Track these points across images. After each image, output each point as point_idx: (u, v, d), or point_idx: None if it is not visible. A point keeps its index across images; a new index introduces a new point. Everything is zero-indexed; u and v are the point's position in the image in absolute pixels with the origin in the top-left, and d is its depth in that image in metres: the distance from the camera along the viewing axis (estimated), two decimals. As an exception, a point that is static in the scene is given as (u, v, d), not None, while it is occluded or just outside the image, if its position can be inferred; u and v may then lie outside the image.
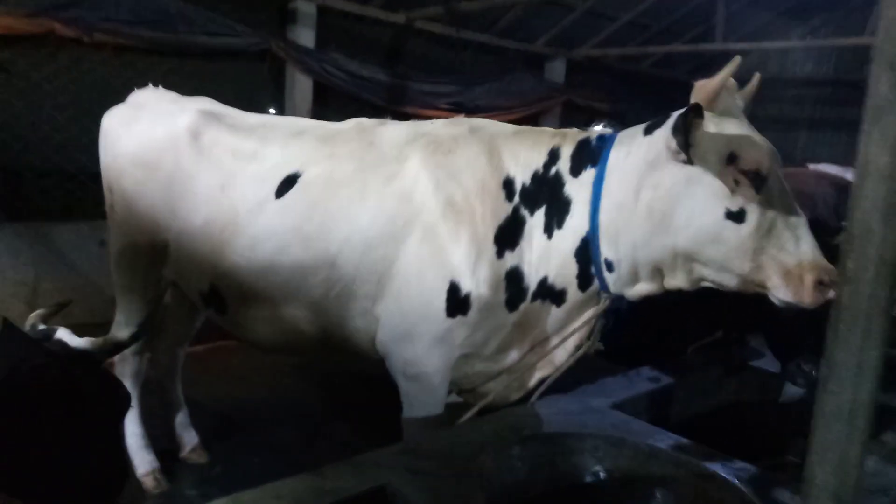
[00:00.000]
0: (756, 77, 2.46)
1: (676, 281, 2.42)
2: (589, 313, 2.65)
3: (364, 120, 3.07)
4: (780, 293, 2.22)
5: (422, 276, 2.60)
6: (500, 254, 2.56)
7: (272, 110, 6.87)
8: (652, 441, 2.51)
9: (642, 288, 2.50)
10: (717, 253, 2.26)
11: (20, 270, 5.30)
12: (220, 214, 2.93)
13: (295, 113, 6.72)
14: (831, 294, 2.20)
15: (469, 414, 2.62)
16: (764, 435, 3.39)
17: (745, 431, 3.43)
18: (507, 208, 2.60)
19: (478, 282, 2.53)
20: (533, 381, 2.78)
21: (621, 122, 10.29)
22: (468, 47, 8.48)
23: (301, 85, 6.85)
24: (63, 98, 5.73)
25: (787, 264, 2.20)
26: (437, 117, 7.69)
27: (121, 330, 3.43)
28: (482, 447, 2.30)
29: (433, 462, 2.19)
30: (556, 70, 9.45)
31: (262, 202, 2.85)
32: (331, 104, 7.20)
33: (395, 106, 7.49)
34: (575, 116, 9.77)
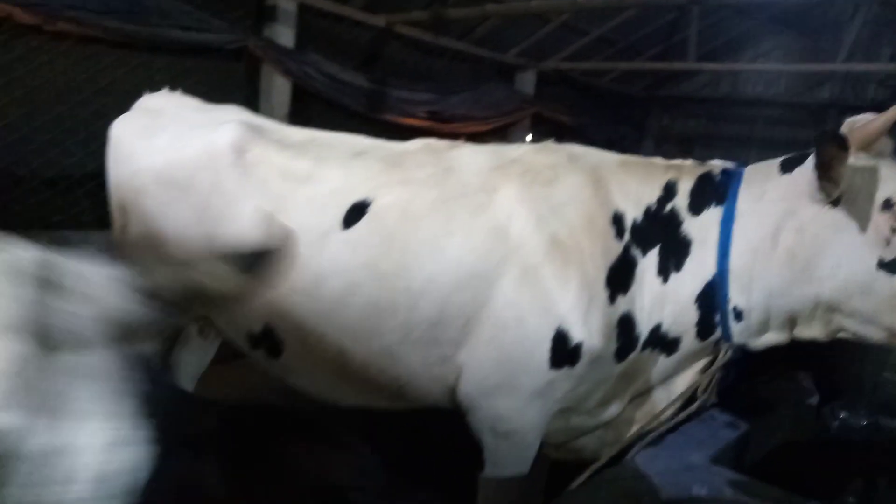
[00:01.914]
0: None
1: (812, 331, 2.24)
2: (700, 364, 2.43)
3: (432, 141, 2.75)
4: None
5: (522, 322, 2.31)
6: (612, 299, 2.31)
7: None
8: (764, 498, 2.34)
9: (770, 338, 2.31)
10: (866, 305, 2.09)
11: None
12: (272, 245, 2.53)
13: (271, 116, 6.24)
14: None
15: (582, 478, 2.35)
16: (822, 476, 3.30)
17: (804, 472, 3.33)
18: (617, 247, 2.34)
19: (590, 331, 2.26)
20: (630, 436, 2.53)
21: (583, 136, 10.30)
22: (444, 54, 8.21)
23: (279, 87, 6.37)
24: (17, 92, 5.05)
25: None
26: (416, 126, 7.41)
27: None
28: (616, 523, 2.05)
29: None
30: (527, 81, 9.32)
31: (326, 233, 2.48)
32: (308, 108, 6.76)
33: (374, 113, 7.11)
34: (541, 129, 9.66)
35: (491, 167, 2.52)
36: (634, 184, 2.42)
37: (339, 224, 2.48)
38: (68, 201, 5.47)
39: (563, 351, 2.27)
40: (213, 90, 6.11)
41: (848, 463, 3.27)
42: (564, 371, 2.30)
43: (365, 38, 7.33)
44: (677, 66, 8.77)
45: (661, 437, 2.57)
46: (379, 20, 7.07)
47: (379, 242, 2.42)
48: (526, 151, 2.59)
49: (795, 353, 3.32)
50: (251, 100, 6.42)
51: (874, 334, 2.14)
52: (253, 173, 2.64)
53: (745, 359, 2.43)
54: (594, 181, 2.42)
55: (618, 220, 2.37)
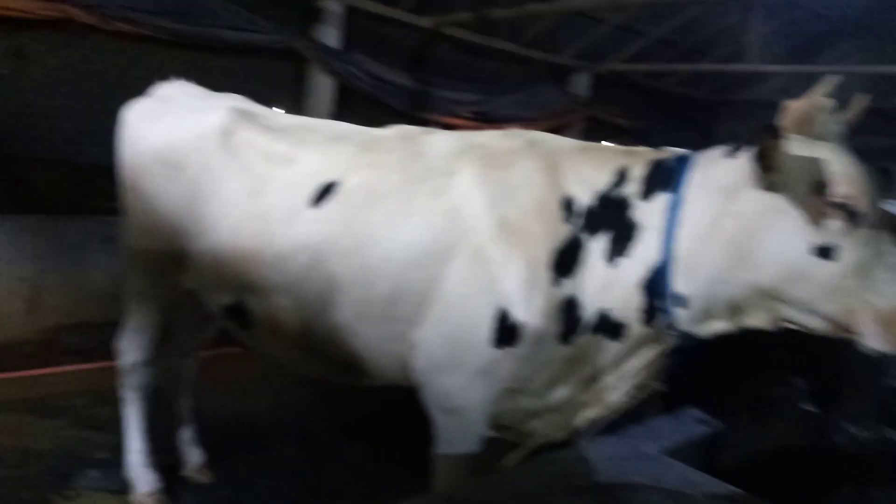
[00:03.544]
0: (860, 100, 2.22)
1: (756, 320, 2.18)
2: (650, 351, 2.41)
3: (408, 127, 2.84)
4: (871, 341, 1.98)
5: (467, 301, 2.36)
6: (555, 281, 2.33)
7: (279, 109, 6.63)
8: (710, 493, 2.29)
9: (716, 326, 2.26)
10: (803, 292, 2.03)
11: (21, 265, 5.08)
12: (248, 222, 2.69)
13: (315, 116, 6.51)
14: None
15: (514, 456, 2.38)
16: (811, 482, 3.17)
17: (792, 478, 3.21)
18: (565, 231, 2.36)
19: (530, 311, 2.29)
20: (580, 421, 2.54)
21: (643, 140, 10.11)
22: (494, 56, 8.30)
23: (323, 86, 6.65)
24: (78, 87, 5.52)
25: (882, 309, 1.96)
26: (460, 125, 7.52)
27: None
28: (534, 499, 2.07)
29: (482, 515, 1.96)
30: (581, 83, 9.26)
31: (296, 211, 2.62)
32: (353, 108, 6.99)
33: (417, 112, 7.29)
34: (598, 132, 9.57)
35: (455, 152, 2.59)
36: (588, 169, 2.43)
37: (308, 203, 2.61)
38: (123, 189, 5.91)
39: (505, 330, 2.31)
40: (262, 88, 6.47)
41: (838, 471, 3.13)
42: (506, 350, 2.33)
43: (413, 40, 7.52)
44: (736, 68, 8.49)
45: (616, 425, 2.56)
46: (426, 22, 7.23)
47: (342, 220, 2.54)
48: (490, 137, 2.65)
49: (789, 355, 3.22)
50: (297, 98, 6.72)
51: (815, 324, 2.07)
52: (238, 154, 2.81)
53: (698, 348, 2.38)
54: (548, 166, 2.44)
55: (568, 205, 2.38)
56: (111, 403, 4.32)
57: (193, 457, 3.59)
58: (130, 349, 3.24)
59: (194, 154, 2.87)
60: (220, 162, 2.82)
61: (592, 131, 9.54)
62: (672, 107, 11.08)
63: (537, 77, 8.80)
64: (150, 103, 3.17)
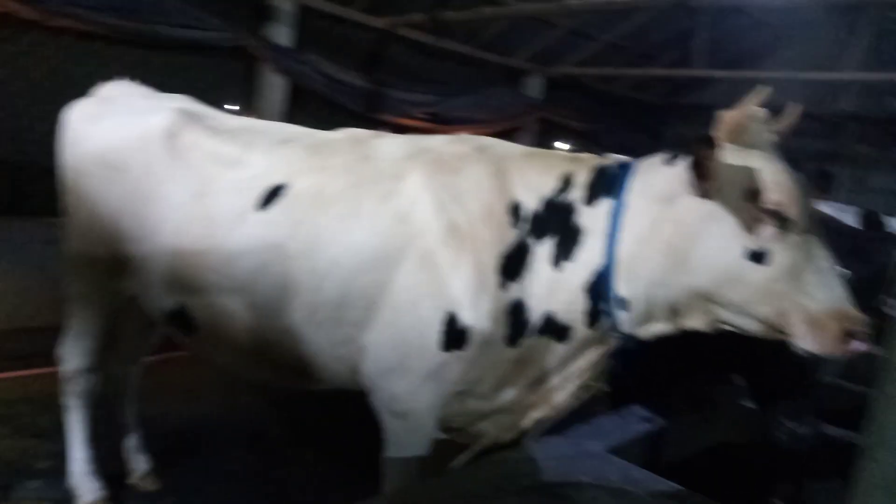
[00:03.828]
0: (794, 109, 2.32)
1: (694, 322, 2.26)
2: (594, 353, 2.47)
3: (358, 131, 2.84)
4: (802, 342, 2.07)
5: (416, 305, 2.38)
6: (503, 285, 2.36)
7: (232, 108, 6.52)
8: (652, 491, 2.36)
9: (656, 328, 2.34)
10: (737, 295, 2.11)
11: (-41, 268, 4.89)
12: (193, 225, 2.66)
13: (267, 115, 6.44)
14: (859, 346, 2.08)
15: (463, 458, 2.41)
16: (751, 477, 3.28)
17: (732, 473, 3.32)
18: (512, 236, 2.40)
19: (478, 315, 2.32)
20: (527, 422, 2.58)
21: (595, 142, 10.28)
22: (448, 58, 8.33)
23: (275, 85, 6.57)
24: (18, 85, 5.34)
25: (812, 311, 2.06)
26: (414, 126, 7.53)
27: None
28: (482, 500, 2.10)
29: (428, 518, 1.98)
30: (535, 86, 9.37)
31: (242, 214, 2.60)
32: (305, 107, 6.94)
33: (371, 113, 7.27)
34: (551, 134, 9.69)
35: (404, 156, 2.60)
36: (534, 175, 2.47)
37: (255, 206, 2.59)
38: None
39: (453, 334, 2.33)
40: (211, 87, 6.36)
41: (778, 466, 3.25)
42: (455, 354, 2.36)
43: (367, 40, 7.50)
44: (683, 73, 8.71)
45: (563, 424, 2.61)
46: (380, 22, 7.22)
47: (289, 224, 2.53)
48: (439, 142, 2.67)
49: (730, 355, 3.33)
50: (249, 98, 6.63)
51: (749, 325, 2.15)
52: (183, 157, 2.77)
53: (640, 349, 2.45)
54: (496, 171, 2.48)
55: (515, 210, 2.42)
56: (53, 411, 4.21)
57: (139, 464, 3.52)
58: (73, 355, 3.16)
59: (137, 156, 2.82)
60: (164, 164, 2.78)
61: (545, 133, 9.66)
62: (623, 110, 11.29)
63: (491, 79, 8.87)
64: (92, 104, 3.09)
